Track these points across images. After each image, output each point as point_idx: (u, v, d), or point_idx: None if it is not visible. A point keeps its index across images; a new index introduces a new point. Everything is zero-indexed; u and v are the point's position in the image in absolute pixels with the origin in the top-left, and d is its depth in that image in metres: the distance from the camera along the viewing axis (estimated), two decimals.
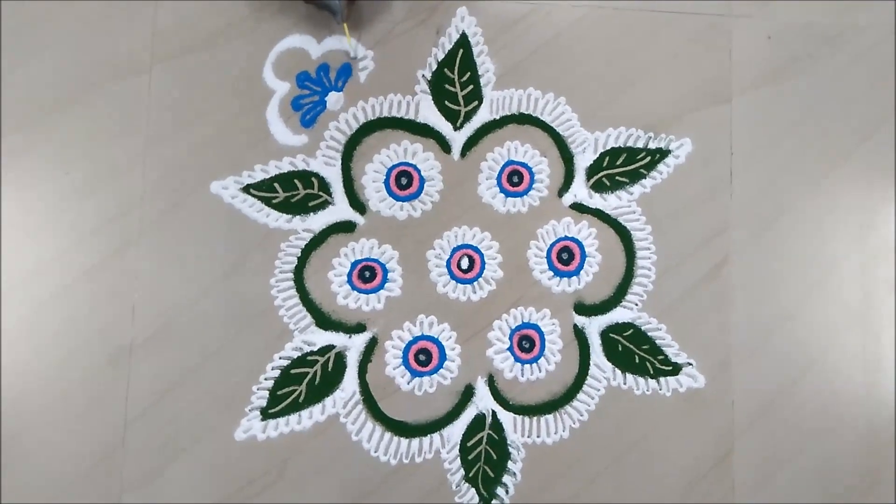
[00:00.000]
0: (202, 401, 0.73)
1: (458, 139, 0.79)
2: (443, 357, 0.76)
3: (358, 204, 0.77)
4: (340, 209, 0.77)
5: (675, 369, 0.78)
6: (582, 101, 0.80)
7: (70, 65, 0.76)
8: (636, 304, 0.78)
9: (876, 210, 0.82)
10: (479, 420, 0.75)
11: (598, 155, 0.80)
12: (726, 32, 0.83)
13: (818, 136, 0.83)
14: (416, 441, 0.75)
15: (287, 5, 0.78)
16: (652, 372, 0.78)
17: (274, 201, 0.76)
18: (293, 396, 0.74)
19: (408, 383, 0.75)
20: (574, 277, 0.78)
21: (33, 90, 0.75)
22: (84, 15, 0.77)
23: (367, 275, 0.76)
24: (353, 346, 0.75)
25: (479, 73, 0.79)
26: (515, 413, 0.76)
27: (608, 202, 0.79)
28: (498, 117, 0.79)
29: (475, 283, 0.77)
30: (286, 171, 0.77)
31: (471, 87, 0.79)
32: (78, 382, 0.72)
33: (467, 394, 0.76)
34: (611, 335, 0.78)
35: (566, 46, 0.81)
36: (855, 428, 0.79)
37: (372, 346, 0.76)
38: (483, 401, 0.76)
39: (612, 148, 0.80)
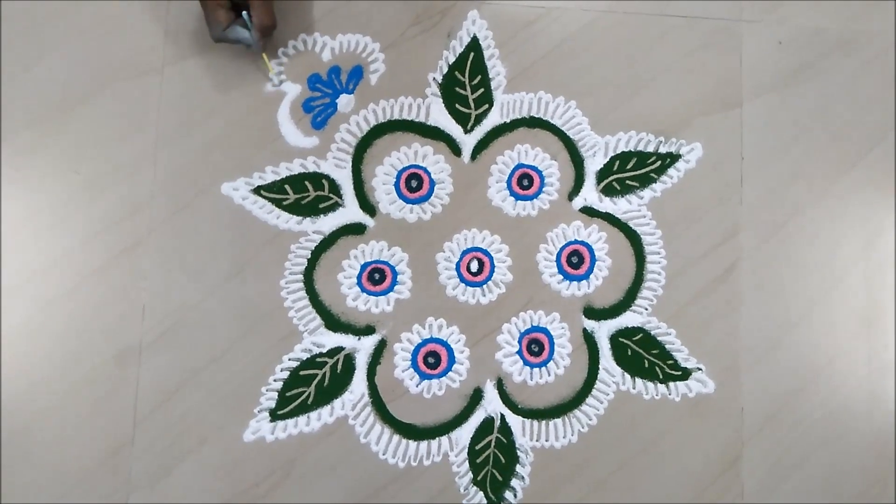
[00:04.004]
0: (210, 401, 0.73)
1: (468, 142, 0.79)
2: (452, 360, 0.76)
3: (368, 206, 0.77)
4: (350, 211, 0.77)
5: (685, 374, 0.78)
6: (592, 104, 0.80)
7: (81, 64, 0.76)
8: (646, 309, 0.78)
9: (886, 216, 0.82)
10: (487, 423, 0.75)
11: (608, 159, 0.80)
12: (737, 37, 0.83)
13: (828, 141, 0.82)
14: (424, 444, 0.74)
15: (297, 5, 0.78)
16: (661, 377, 0.77)
17: (284, 203, 0.76)
18: (302, 398, 0.74)
19: (416, 386, 0.75)
20: (584, 281, 0.78)
21: (44, 89, 0.75)
22: (95, 14, 0.77)
23: (376, 277, 0.76)
24: (362, 348, 0.75)
25: (490, 76, 0.79)
26: (524, 417, 0.76)
27: (618, 206, 0.79)
28: (508, 120, 0.79)
29: (484, 286, 0.77)
30: (297, 173, 0.77)
31: (481, 90, 0.79)
32: (86, 382, 0.72)
33: (476, 397, 0.76)
34: (620, 339, 0.78)
35: (577, 50, 0.81)
36: (862, 434, 0.79)
37: (381, 348, 0.76)
38: (492, 404, 0.76)
39: (623, 152, 0.80)
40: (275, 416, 0.73)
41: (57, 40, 0.76)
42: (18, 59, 0.75)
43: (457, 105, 0.79)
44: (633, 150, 0.80)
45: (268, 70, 0.76)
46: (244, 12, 0.71)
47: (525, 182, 0.79)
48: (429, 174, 0.78)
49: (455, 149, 0.79)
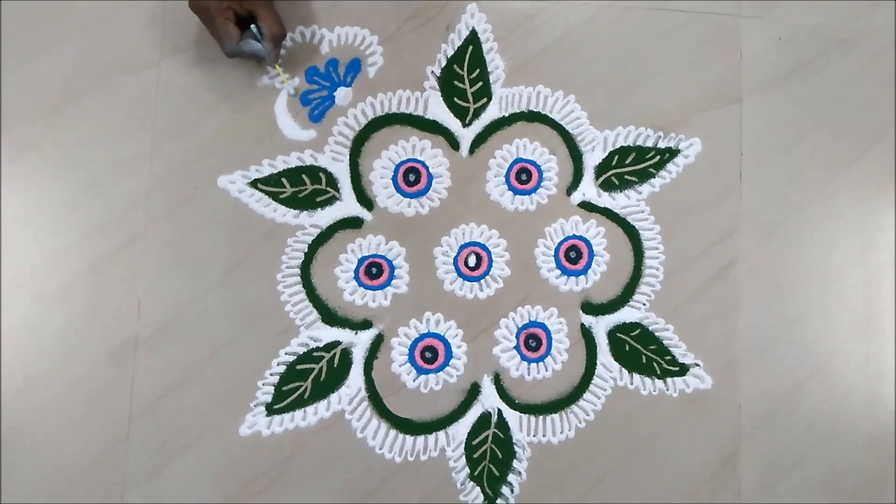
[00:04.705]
0: (207, 396, 0.73)
1: (466, 136, 0.79)
2: (449, 355, 0.76)
3: (365, 200, 0.77)
4: (348, 205, 0.76)
5: (682, 370, 0.78)
6: (591, 99, 0.80)
7: (78, 59, 0.76)
8: (644, 304, 0.78)
9: (885, 214, 0.82)
10: (484, 418, 0.75)
11: (607, 153, 0.80)
12: (736, 33, 0.83)
13: (827, 137, 0.82)
14: (421, 439, 0.74)
15: (295, 4, 0.78)
16: (659, 372, 0.77)
17: (281, 196, 0.76)
18: (298, 392, 0.74)
19: (414, 381, 0.75)
20: (581, 276, 0.78)
21: (41, 85, 0.75)
22: (93, 10, 0.76)
23: (373, 271, 0.76)
24: (360, 342, 0.75)
25: (489, 69, 0.79)
26: (521, 412, 0.76)
27: (617, 201, 0.79)
28: (507, 114, 0.79)
29: (482, 281, 0.77)
30: (294, 166, 0.76)
31: (480, 83, 0.79)
32: (82, 378, 0.72)
33: (473, 392, 0.76)
34: (618, 335, 0.77)
35: (576, 44, 0.81)
36: (859, 432, 0.79)
37: (378, 342, 0.75)
38: (489, 399, 0.76)
39: (622, 147, 0.80)
40: (271, 410, 0.73)
41: (55, 37, 0.76)
42: (17, 56, 0.75)
43: (455, 99, 0.79)
44: (632, 145, 0.80)
45: (283, 81, 0.76)
46: (252, 25, 0.70)
47: (523, 176, 0.79)
48: (427, 168, 0.78)
49: (453, 143, 0.78)
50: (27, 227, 0.73)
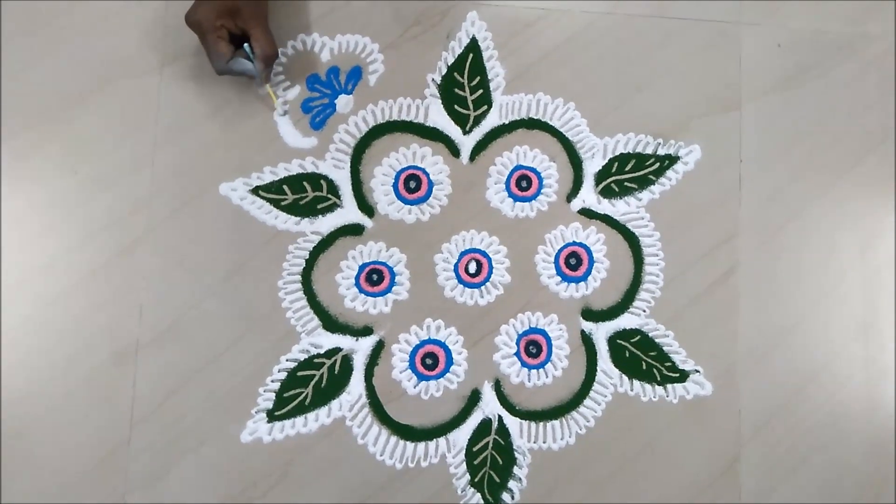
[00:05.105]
0: (208, 401, 0.73)
1: (467, 143, 0.79)
2: (449, 361, 0.76)
3: (366, 207, 0.77)
4: (349, 212, 0.77)
5: (683, 376, 0.78)
6: (591, 106, 0.80)
7: (80, 64, 0.76)
8: (644, 311, 0.78)
9: (884, 219, 0.82)
10: (485, 425, 0.75)
11: (606, 160, 0.80)
12: (736, 39, 0.83)
13: (827, 143, 0.83)
14: (421, 445, 0.74)
15: (296, 6, 0.78)
16: (659, 379, 0.77)
17: (282, 203, 0.76)
18: (299, 399, 0.74)
19: (414, 387, 0.75)
20: (582, 283, 0.78)
21: (43, 89, 0.75)
22: (94, 14, 0.77)
23: (374, 278, 0.76)
24: (360, 349, 0.75)
25: (489, 77, 0.79)
26: (522, 418, 0.76)
27: (617, 208, 0.79)
28: (507, 122, 0.79)
29: (483, 288, 0.77)
30: (295, 173, 0.76)
31: (480, 91, 0.79)
32: (84, 382, 0.72)
33: (474, 398, 0.76)
34: (618, 341, 0.78)
35: (576, 52, 0.81)
36: (860, 437, 0.79)
37: (379, 349, 0.75)
38: (489, 405, 0.76)
39: (621, 154, 0.80)
40: (272, 416, 0.73)
41: (56, 40, 0.76)
42: (18, 59, 0.75)
43: (455, 106, 0.79)
44: (631, 151, 0.80)
45: (272, 101, 0.76)
46: (245, 44, 0.71)
47: (524, 183, 0.79)
48: (427, 175, 0.78)
49: (454, 150, 0.79)
50: (28, 231, 0.73)
